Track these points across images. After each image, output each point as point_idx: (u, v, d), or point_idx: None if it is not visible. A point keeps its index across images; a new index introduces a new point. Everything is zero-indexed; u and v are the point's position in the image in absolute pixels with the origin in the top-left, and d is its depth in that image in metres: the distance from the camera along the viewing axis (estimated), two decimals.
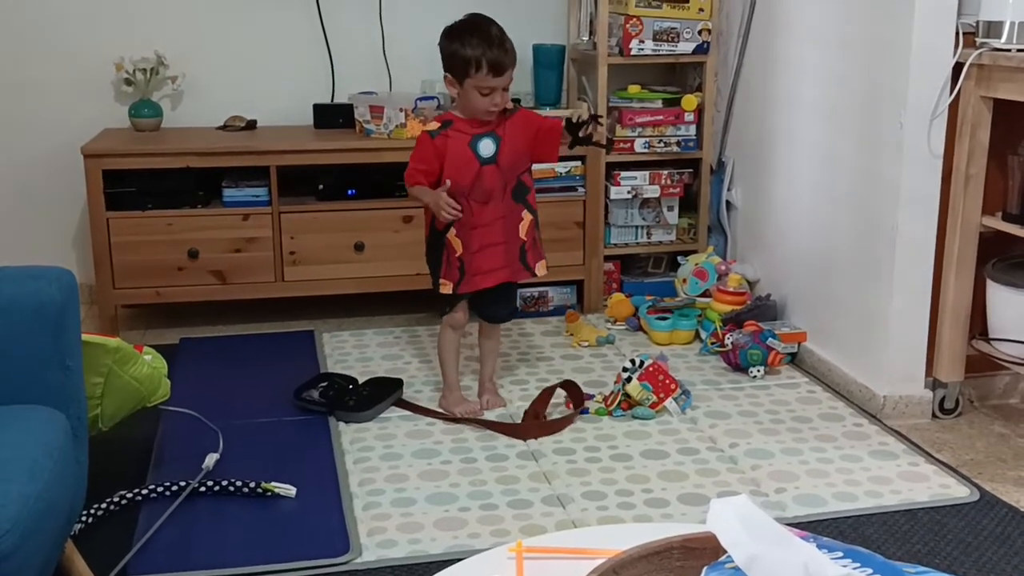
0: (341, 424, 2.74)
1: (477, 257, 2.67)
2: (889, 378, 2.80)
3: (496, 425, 2.70)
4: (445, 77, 2.61)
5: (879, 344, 2.81)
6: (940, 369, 2.79)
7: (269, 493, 2.34)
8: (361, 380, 2.95)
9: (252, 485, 2.34)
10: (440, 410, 2.81)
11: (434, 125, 2.63)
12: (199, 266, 3.38)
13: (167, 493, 2.32)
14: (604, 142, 2.74)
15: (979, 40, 2.56)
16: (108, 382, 2.26)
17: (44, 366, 1.79)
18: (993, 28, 2.51)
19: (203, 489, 2.35)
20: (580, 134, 2.71)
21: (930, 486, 2.41)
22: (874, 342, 2.84)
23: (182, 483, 2.34)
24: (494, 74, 2.54)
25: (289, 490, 2.35)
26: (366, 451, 2.58)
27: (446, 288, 2.70)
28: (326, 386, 2.87)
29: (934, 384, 2.81)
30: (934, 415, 2.81)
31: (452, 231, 2.65)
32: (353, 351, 3.29)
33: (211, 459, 2.46)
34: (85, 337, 2.01)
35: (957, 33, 2.61)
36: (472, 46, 2.53)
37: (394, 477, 2.45)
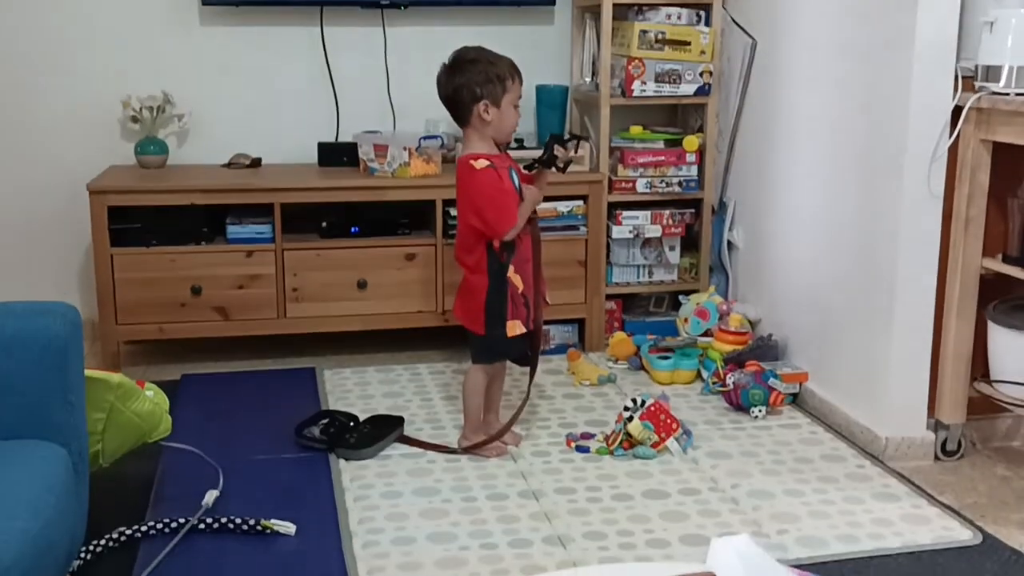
0: (342, 461, 2.73)
1: (534, 285, 2.70)
2: (891, 420, 2.79)
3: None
4: (479, 108, 2.61)
5: (881, 385, 2.81)
6: (942, 411, 2.79)
7: (269, 531, 2.33)
8: (362, 418, 2.94)
9: (252, 522, 2.33)
10: (442, 444, 2.80)
11: (483, 163, 2.62)
12: (202, 302, 3.39)
13: (166, 530, 2.31)
14: (561, 165, 2.76)
15: (978, 84, 2.58)
16: (110, 418, 2.27)
17: (47, 402, 1.79)
18: (992, 72, 2.54)
19: (202, 526, 2.34)
20: (555, 152, 2.71)
21: (932, 528, 2.40)
22: (876, 383, 2.84)
23: (181, 520, 2.33)
24: (521, 83, 2.67)
25: (289, 528, 2.34)
26: (366, 489, 2.58)
27: (516, 329, 2.67)
28: (327, 423, 2.86)
29: (936, 426, 2.81)
30: (936, 457, 2.80)
31: (511, 268, 2.65)
32: (354, 388, 3.28)
33: (211, 496, 2.46)
34: (88, 373, 2.02)
35: (956, 77, 2.63)
36: (501, 64, 2.64)
37: (394, 515, 2.44)
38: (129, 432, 2.33)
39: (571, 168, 2.84)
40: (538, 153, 2.76)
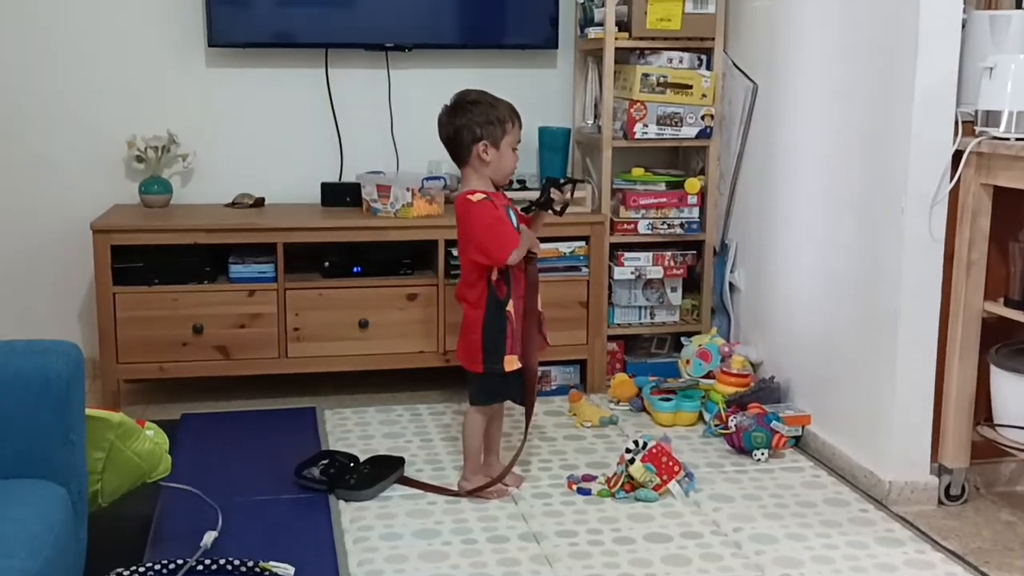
0: (341, 503, 2.72)
1: (524, 327, 2.70)
2: (894, 463, 2.78)
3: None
4: (478, 148, 2.64)
5: (883, 429, 2.80)
6: (945, 455, 2.78)
7: (267, 572, 2.31)
8: (362, 458, 2.93)
9: (250, 564, 2.31)
10: (442, 485, 2.79)
11: (480, 196, 2.65)
12: (203, 341, 3.39)
13: (164, 571, 2.29)
14: (558, 208, 2.79)
15: (978, 129, 2.60)
16: (110, 457, 2.26)
17: (48, 440, 1.79)
18: (992, 117, 2.55)
19: (200, 568, 2.31)
20: (552, 195, 2.74)
21: (937, 574, 2.38)
22: (878, 426, 2.82)
23: (179, 561, 2.31)
24: (520, 126, 2.71)
25: (287, 570, 2.32)
26: (366, 530, 2.56)
27: (514, 364, 2.68)
28: (327, 464, 2.85)
29: (940, 470, 2.79)
30: (940, 502, 2.79)
31: (510, 302, 2.67)
32: (355, 429, 3.27)
33: (209, 537, 2.44)
34: (88, 412, 2.01)
35: (956, 122, 2.65)
36: (501, 107, 2.68)
37: (394, 557, 2.42)
38: (129, 471, 2.32)
39: (573, 209, 2.86)
40: (536, 195, 2.79)
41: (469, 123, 2.65)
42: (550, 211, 2.76)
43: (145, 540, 2.49)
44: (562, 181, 2.77)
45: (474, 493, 2.73)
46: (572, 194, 2.79)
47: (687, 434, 3.24)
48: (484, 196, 2.66)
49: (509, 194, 2.95)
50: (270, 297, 3.42)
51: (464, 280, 2.73)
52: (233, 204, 3.70)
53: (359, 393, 3.62)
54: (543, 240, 3.36)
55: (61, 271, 3.71)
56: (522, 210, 2.78)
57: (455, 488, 2.78)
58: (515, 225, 2.70)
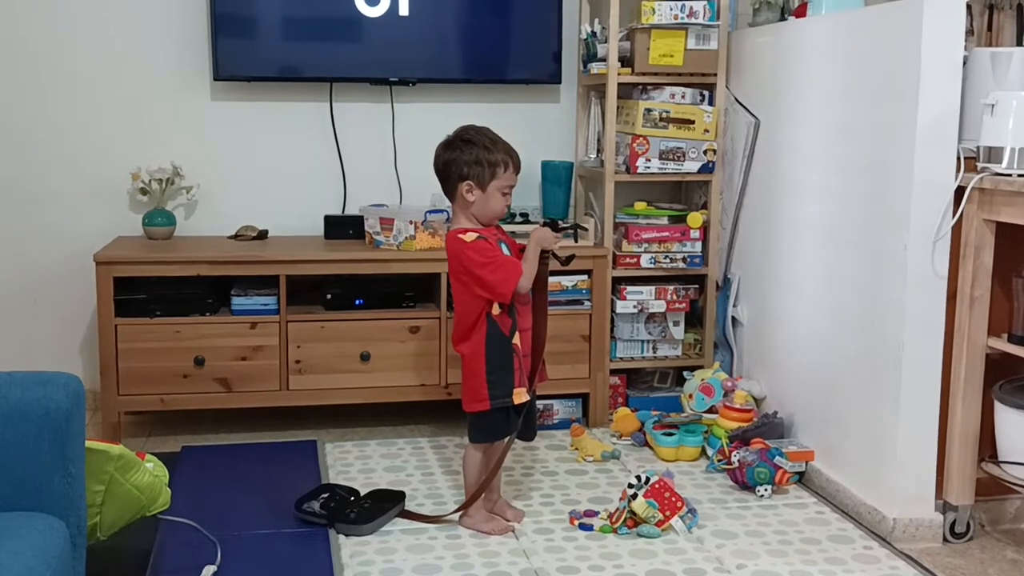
0: (341, 537, 2.70)
1: (527, 361, 2.70)
2: (898, 500, 2.76)
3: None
4: (462, 187, 2.65)
5: (888, 465, 2.78)
6: (950, 492, 2.76)
7: None
8: (363, 492, 2.92)
9: None
10: (442, 515, 2.77)
11: (472, 235, 2.64)
12: (205, 374, 3.39)
13: None
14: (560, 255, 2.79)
15: (980, 165, 2.60)
16: (109, 490, 2.24)
17: (47, 473, 1.78)
18: (994, 153, 2.56)
19: None
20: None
21: None
22: (883, 463, 2.81)
23: None
24: (516, 172, 2.68)
25: None
26: (366, 565, 2.54)
27: (522, 397, 2.67)
28: (327, 497, 2.83)
29: (944, 507, 2.77)
30: (945, 539, 2.76)
31: (516, 335, 2.67)
32: (356, 462, 3.26)
33: (208, 571, 2.42)
34: (88, 444, 2.00)
35: (958, 158, 2.66)
36: (496, 150, 2.65)
37: None
38: (128, 504, 2.30)
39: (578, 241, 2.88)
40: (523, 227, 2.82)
41: (457, 160, 2.64)
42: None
43: (143, 574, 2.47)
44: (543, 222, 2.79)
45: (472, 526, 2.72)
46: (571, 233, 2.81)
47: (690, 469, 3.22)
48: (477, 235, 2.65)
49: (508, 228, 2.96)
50: (272, 329, 3.41)
51: (460, 322, 2.71)
52: (236, 236, 3.71)
53: (360, 426, 3.61)
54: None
55: (63, 302, 3.71)
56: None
57: (455, 519, 2.77)
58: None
